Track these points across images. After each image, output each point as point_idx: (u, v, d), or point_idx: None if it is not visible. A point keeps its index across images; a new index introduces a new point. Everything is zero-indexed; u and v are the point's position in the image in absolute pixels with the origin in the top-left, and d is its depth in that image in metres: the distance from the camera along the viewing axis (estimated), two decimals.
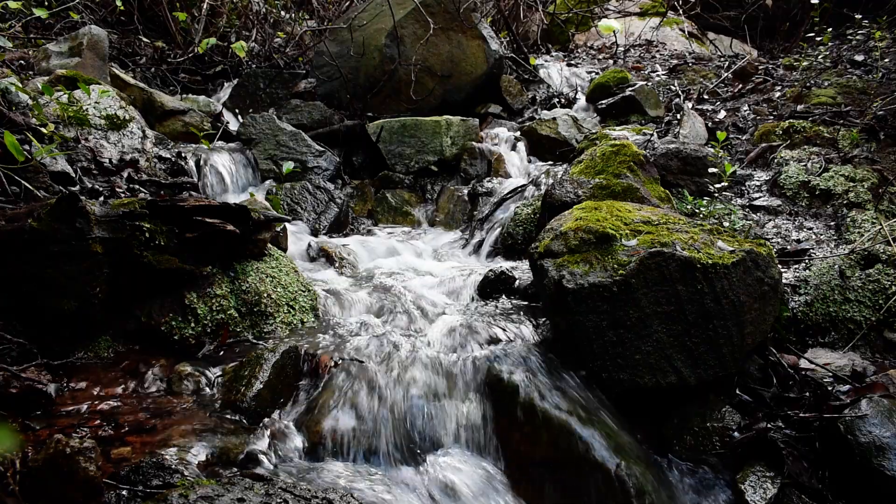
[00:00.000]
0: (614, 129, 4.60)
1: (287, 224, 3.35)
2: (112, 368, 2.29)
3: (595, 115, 5.39)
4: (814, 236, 3.24)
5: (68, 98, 3.53)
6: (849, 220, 3.21)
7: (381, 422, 2.17)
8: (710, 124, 4.61)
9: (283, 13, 7.01)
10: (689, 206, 3.33)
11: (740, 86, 5.35)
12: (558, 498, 2.05)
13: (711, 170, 3.67)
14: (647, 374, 2.28)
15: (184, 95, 5.37)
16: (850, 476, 2.01)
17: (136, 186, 3.49)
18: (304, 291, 2.84)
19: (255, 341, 2.54)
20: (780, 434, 2.17)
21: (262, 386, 2.18)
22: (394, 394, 2.23)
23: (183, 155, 4.09)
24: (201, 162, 4.13)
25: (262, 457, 1.94)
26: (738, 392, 2.40)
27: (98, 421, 1.97)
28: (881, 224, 3.00)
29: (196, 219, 2.51)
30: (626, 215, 2.64)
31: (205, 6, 6.12)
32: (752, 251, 2.38)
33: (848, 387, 2.33)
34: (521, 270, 3.23)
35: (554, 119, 4.92)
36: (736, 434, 2.23)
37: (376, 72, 5.34)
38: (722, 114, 4.81)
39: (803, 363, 2.54)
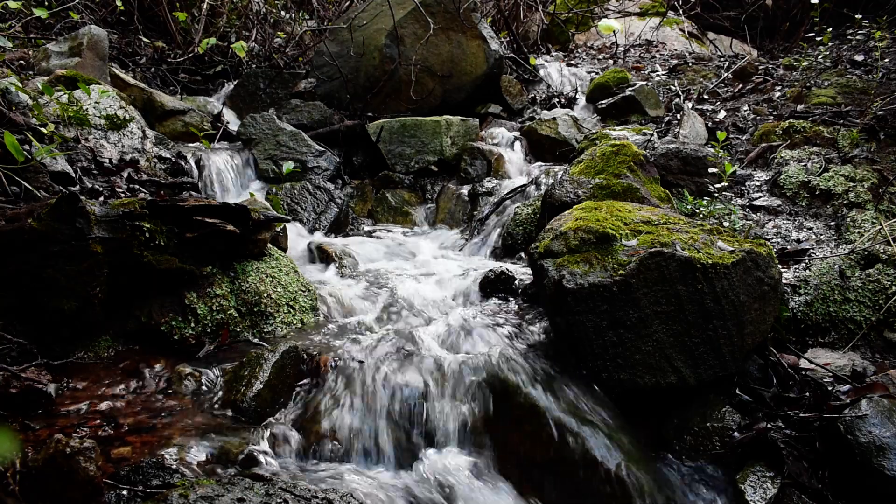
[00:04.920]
0: (614, 129, 4.60)
1: (287, 224, 3.34)
2: (112, 368, 2.29)
3: (595, 115, 5.40)
4: (814, 236, 3.24)
5: (68, 98, 3.53)
6: (849, 220, 3.21)
7: (381, 422, 2.17)
8: (710, 124, 4.61)
9: (283, 13, 7.01)
10: (689, 206, 3.33)
11: (740, 86, 5.35)
12: (558, 498, 2.05)
13: (711, 170, 3.67)
14: (646, 374, 2.28)
15: (184, 95, 5.37)
16: (850, 476, 2.01)
17: (136, 186, 3.49)
18: (304, 291, 2.84)
19: (255, 341, 2.54)
20: (780, 434, 2.17)
21: (262, 386, 2.18)
22: (393, 394, 2.23)
23: (183, 155, 4.09)
24: (201, 162, 4.13)
25: (262, 457, 1.94)
26: (738, 392, 2.40)
27: (98, 421, 1.97)
28: (881, 224, 3.00)
29: (196, 219, 2.51)
30: (626, 215, 2.64)
31: (205, 6, 6.12)
32: (752, 251, 2.38)
33: (848, 387, 2.33)
34: (521, 270, 3.23)
35: (554, 119, 4.92)
36: (736, 434, 2.23)
37: (376, 72, 5.34)
38: (722, 114, 4.81)
39: (803, 363, 2.54)
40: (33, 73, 4.16)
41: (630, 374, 2.28)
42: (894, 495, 1.91)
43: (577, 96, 5.81)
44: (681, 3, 8.35)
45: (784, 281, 2.85)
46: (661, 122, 4.90)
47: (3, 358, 2.09)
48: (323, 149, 4.60)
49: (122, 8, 5.81)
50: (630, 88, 5.29)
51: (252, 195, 3.71)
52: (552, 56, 7.25)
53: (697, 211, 3.32)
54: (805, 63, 5.35)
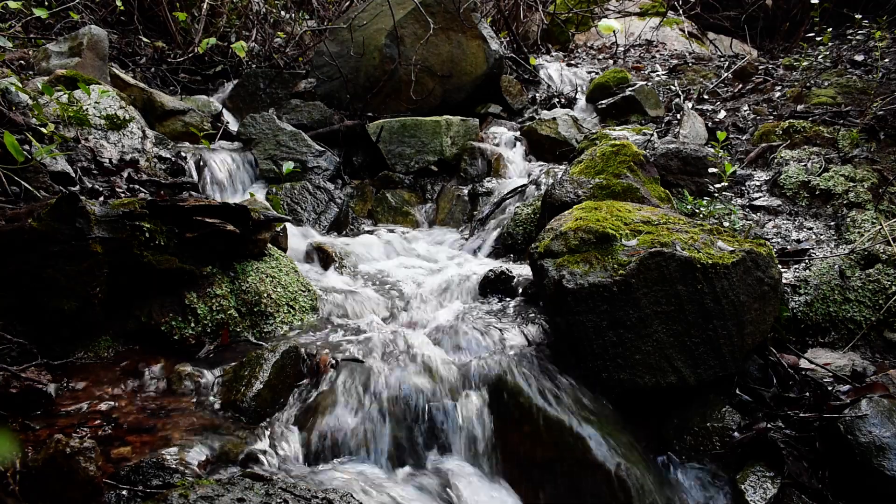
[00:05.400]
0: (614, 129, 4.60)
1: (287, 224, 3.34)
2: (112, 368, 2.29)
3: (595, 115, 5.40)
4: (814, 236, 3.24)
5: (68, 98, 3.53)
6: (849, 220, 3.21)
7: (381, 422, 2.17)
8: (710, 124, 4.61)
9: (283, 13, 7.01)
10: (689, 206, 3.33)
11: (740, 86, 5.35)
12: (558, 498, 2.05)
13: (711, 170, 3.67)
14: (646, 374, 2.28)
15: (184, 95, 5.37)
16: (850, 476, 2.01)
17: (136, 186, 3.49)
18: (304, 291, 2.84)
19: (255, 341, 2.54)
20: (780, 434, 2.17)
21: (262, 386, 2.18)
22: (393, 394, 2.23)
23: (183, 155, 4.09)
24: (201, 162, 4.13)
25: (262, 457, 1.94)
26: (738, 392, 2.40)
27: (98, 421, 1.97)
28: (881, 224, 3.00)
29: (196, 219, 2.51)
30: (626, 215, 2.64)
31: (205, 6, 6.12)
32: (752, 251, 2.38)
33: (848, 387, 2.33)
34: (521, 270, 3.23)
35: (554, 119, 4.92)
36: (736, 434, 2.23)
37: (376, 72, 5.34)
38: (722, 114, 4.81)
39: (803, 363, 2.54)
40: (33, 73, 4.16)
41: (630, 374, 2.28)
42: (894, 495, 1.91)
43: (577, 96, 5.82)
44: (681, 3, 8.35)
45: (784, 281, 2.85)
46: (661, 122, 4.90)
47: (3, 358, 2.09)
48: (323, 149, 4.60)
49: (122, 8, 5.81)
50: (630, 88, 5.29)
51: (252, 195, 3.71)
52: (552, 56, 7.25)
53: (697, 211, 3.32)
54: (805, 63, 5.35)
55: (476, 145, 4.73)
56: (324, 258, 3.47)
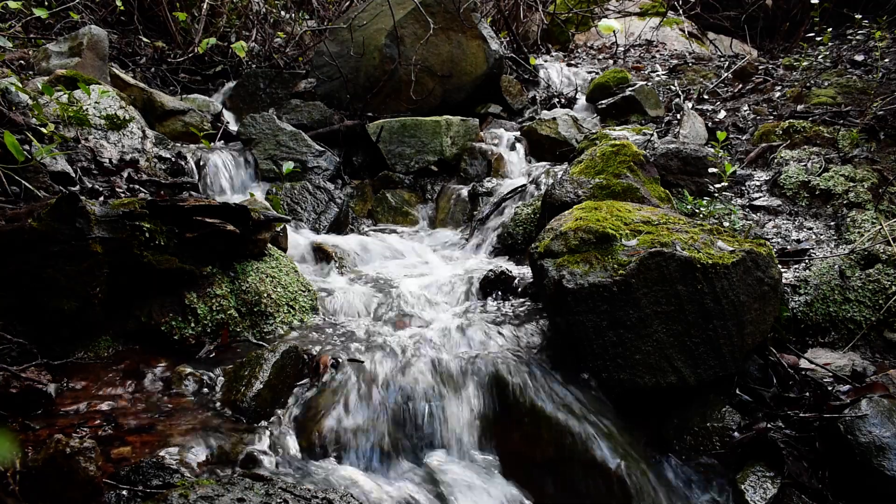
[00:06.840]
0: (614, 129, 4.59)
1: (287, 224, 3.34)
2: (112, 368, 2.29)
3: (595, 115, 5.40)
4: (814, 236, 3.24)
5: (68, 98, 3.53)
6: (849, 220, 3.21)
7: (381, 422, 2.17)
8: (710, 124, 4.61)
9: (283, 13, 7.01)
10: (689, 206, 3.33)
11: (740, 86, 5.35)
12: (558, 498, 2.05)
13: (711, 170, 3.67)
14: (646, 374, 2.28)
15: (184, 95, 5.37)
16: (850, 476, 2.01)
17: (136, 186, 3.49)
18: (304, 291, 2.84)
19: (255, 341, 2.54)
20: (780, 434, 2.17)
21: (262, 386, 2.18)
22: (393, 394, 2.23)
23: (183, 155, 4.09)
24: (201, 162, 4.13)
25: (262, 457, 1.94)
26: (738, 392, 2.40)
27: (98, 421, 1.97)
28: (881, 224, 3.00)
29: (196, 219, 2.51)
30: (626, 215, 2.64)
31: (205, 6, 6.12)
32: (752, 251, 2.38)
33: (848, 387, 2.33)
34: (521, 270, 3.23)
35: (554, 119, 4.92)
36: (736, 434, 2.23)
37: (376, 72, 5.34)
38: (722, 114, 4.81)
39: (803, 363, 2.54)
40: (33, 73, 4.16)
41: (630, 374, 2.28)
42: (894, 495, 1.91)
43: (577, 96, 5.82)
44: (681, 3, 8.35)
45: (784, 281, 2.85)
46: (661, 122, 4.90)
47: (3, 358, 2.09)
48: (323, 149, 4.60)
49: (122, 8, 5.81)
50: (630, 88, 5.29)
51: (252, 195, 3.71)
52: (552, 56, 7.26)
53: (697, 211, 3.32)
54: (805, 63, 5.35)
55: (476, 145, 4.73)
56: (324, 258, 3.47)
